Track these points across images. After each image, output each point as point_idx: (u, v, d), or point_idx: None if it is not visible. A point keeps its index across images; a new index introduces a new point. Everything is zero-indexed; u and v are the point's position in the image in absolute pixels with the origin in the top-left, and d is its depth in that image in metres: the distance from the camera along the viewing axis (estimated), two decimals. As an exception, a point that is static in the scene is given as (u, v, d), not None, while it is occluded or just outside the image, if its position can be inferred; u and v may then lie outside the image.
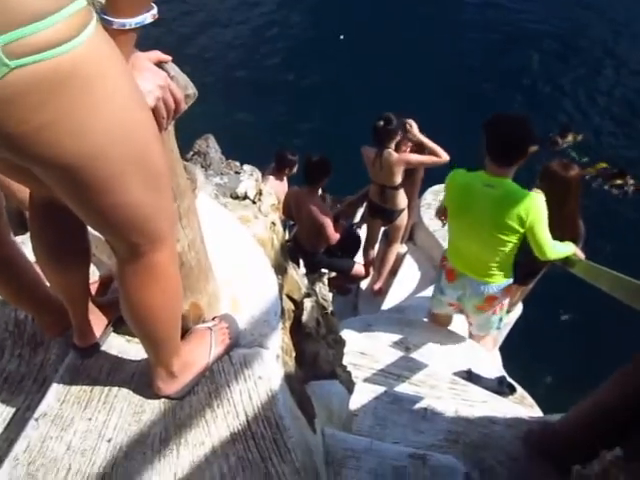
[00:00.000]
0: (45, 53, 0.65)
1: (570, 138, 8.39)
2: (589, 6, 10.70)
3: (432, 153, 3.91)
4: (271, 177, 4.69)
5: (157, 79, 0.92)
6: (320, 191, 4.23)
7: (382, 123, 3.78)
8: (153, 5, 0.86)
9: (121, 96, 0.78)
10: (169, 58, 0.98)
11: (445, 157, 3.92)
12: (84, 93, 0.72)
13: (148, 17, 0.85)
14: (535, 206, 2.51)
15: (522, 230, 2.54)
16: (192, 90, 1.01)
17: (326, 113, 8.26)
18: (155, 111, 0.93)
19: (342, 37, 9.77)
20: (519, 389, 3.31)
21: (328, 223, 4.05)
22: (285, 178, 4.89)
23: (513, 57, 9.63)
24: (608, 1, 10.82)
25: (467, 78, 8.91)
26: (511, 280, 2.89)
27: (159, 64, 0.97)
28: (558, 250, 2.65)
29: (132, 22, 0.83)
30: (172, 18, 10.10)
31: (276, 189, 4.49)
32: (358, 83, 8.68)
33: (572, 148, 8.26)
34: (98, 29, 0.74)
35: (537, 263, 2.91)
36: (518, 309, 4.06)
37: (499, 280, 2.85)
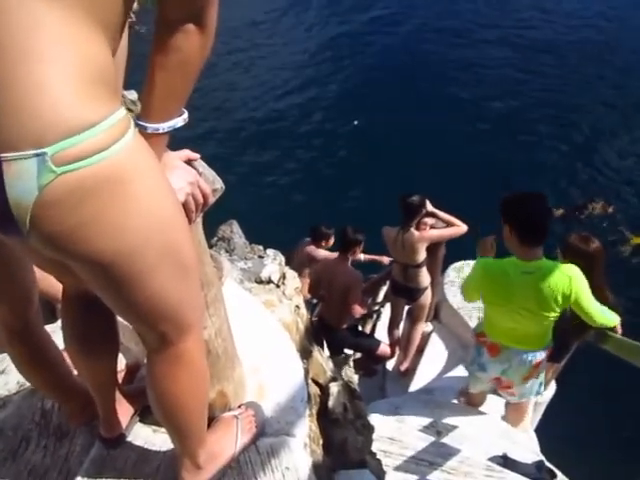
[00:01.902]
0: (89, 159, 0.71)
1: (600, 209, 8.35)
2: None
3: (450, 225, 3.98)
4: (311, 246, 4.79)
5: (187, 176, 0.98)
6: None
7: (413, 199, 3.87)
8: (184, 110, 0.93)
9: (155, 196, 0.83)
10: (197, 156, 1.05)
11: (463, 227, 4.01)
12: (121, 194, 0.76)
13: (179, 121, 0.93)
14: (575, 279, 2.47)
15: (567, 304, 2.50)
16: (219, 185, 1.07)
17: (343, 196, 8.47)
18: (185, 206, 0.98)
19: (356, 122, 10.22)
20: (560, 475, 3.13)
21: (359, 284, 4.15)
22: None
23: (528, 126, 9.83)
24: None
25: (479, 147, 9.12)
26: (551, 341, 2.82)
27: (188, 162, 1.03)
28: (606, 315, 2.59)
29: (165, 126, 0.90)
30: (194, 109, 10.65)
31: (318, 253, 4.66)
32: (372, 166, 8.98)
33: (602, 220, 8.21)
34: (135, 134, 0.80)
35: (568, 336, 2.84)
36: (552, 388, 3.91)
37: (543, 344, 2.77)
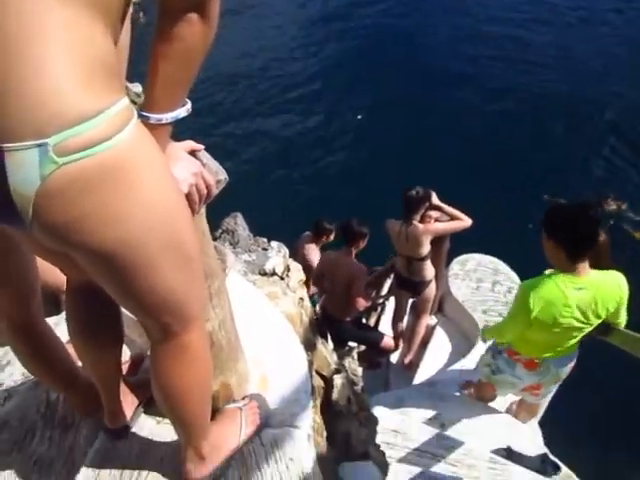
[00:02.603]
0: (91, 150, 0.70)
1: (614, 206, 8.32)
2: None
3: (454, 219, 3.96)
4: (311, 244, 4.80)
5: (191, 167, 0.98)
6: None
7: (414, 192, 3.86)
8: (187, 100, 0.93)
9: (158, 186, 0.83)
10: (201, 147, 1.05)
11: (468, 220, 3.99)
12: (124, 185, 0.76)
13: (182, 112, 0.92)
14: (625, 287, 2.44)
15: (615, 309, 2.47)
16: (223, 176, 1.06)
17: (347, 189, 8.45)
18: (188, 197, 0.97)
19: (360, 117, 10.21)
20: (564, 468, 3.12)
21: (363, 276, 4.14)
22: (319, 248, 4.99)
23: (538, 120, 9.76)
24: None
25: (488, 143, 9.08)
26: None
27: (192, 153, 1.03)
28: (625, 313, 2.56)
29: (168, 117, 0.90)
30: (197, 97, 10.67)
31: (312, 255, 4.60)
32: (376, 159, 8.96)
33: (614, 217, 8.18)
34: (138, 125, 0.80)
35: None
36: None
37: (577, 346, 2.71)
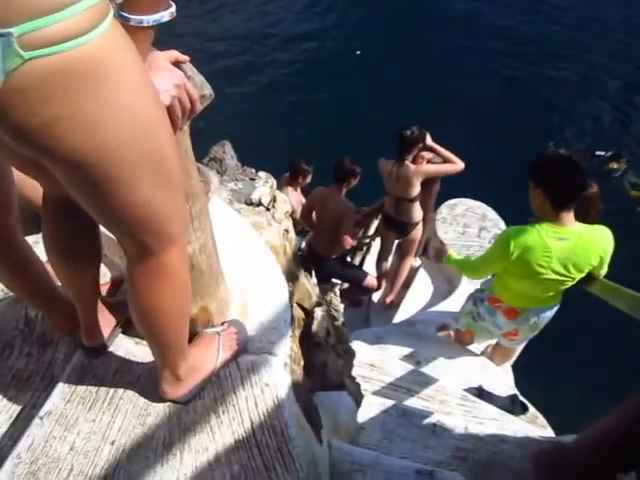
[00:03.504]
0: (60, 46, 0.65)
1: (614, 164, 8.32)
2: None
3: (447, 161, 3.92)
4: (287, 187, 4.72)
5: (173, 78, 0.92)
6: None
7: (409, 132, 3.78)
8: (172, 3, 0.86)
9: (135, 93, 0.78)
10: (187, 58, 0.98)
11: (460, 164, 3.95)
12: (97, 88, 0.71)
13: (166, 15, 0.85)
14: (610, 242, 2.45)
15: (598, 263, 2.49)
16: (208, 91, 1.01)
17: (341, 125, 8.31)
18: (170, 110, 0.92)
19: (359, 52, 9.92)
20: (531, 408, 3.25)
21: (351, 214, 4.14)
22: (299, 188, 4.91)
23: (540, 68, 9.54)
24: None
25: (483, 91, 8.89)
26: None
27: (176, 64, 0.96)
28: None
29: (150, 19, 0.83)
30: (190, 19, 10.30)
31: (290, 198, 4.53)
32: (373, 97, 8.77)
33: (614, 172, 8.20)
34: (114, 24, 0.74)
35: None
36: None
37: (559, 299, 2.75)
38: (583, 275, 2.51)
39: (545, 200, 2.38)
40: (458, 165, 3.94)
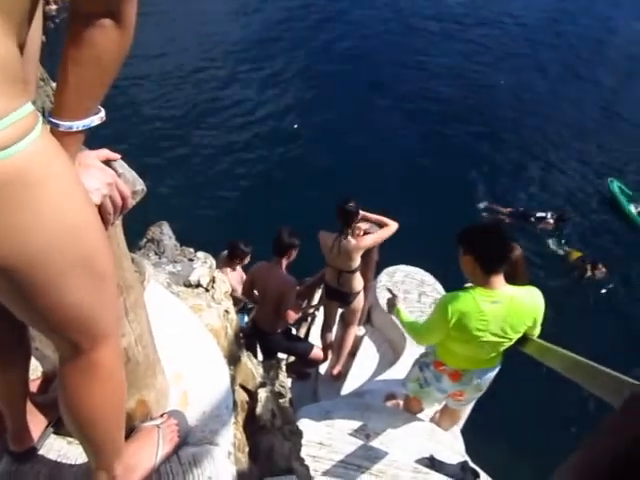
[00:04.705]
0: None
1: (550, 225, 8.79)
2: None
3: (382, 226, 4.04)
4: (226, 268, 4.70)
5: (103, 177, 0.93)
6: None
7: (352, 204, 3.89)
8: (100, 108, 0.88)
9: (64, 199, 0.78)
10: (117, 156, 1.00)
11: (394, 224, 4.09)
12: (26, 196, 0.71)
13: (95, 119, 0.87)
14: (540, 302, 2.56)
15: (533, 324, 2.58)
16: (140, 186, 1.02)
17: (277, 201, 8.47)
18: (101, 208, 0.93)
19: (296, 126, 10.32)
20: (483, 475, 3.23)
21: (293, 289, 4.12)
22: (238, 267, 4.91)
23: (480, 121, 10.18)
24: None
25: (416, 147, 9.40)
26: None
27: (107, 162, 0.98)
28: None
29: (79, 125, 0.85)
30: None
31: (230, 277, 4.52)
32: (309, 169, 9.06)
33: (549, 233, 8.67)
34: (43, 132, 0.75)
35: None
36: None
37: (500, 360, 2.81)
38: (520, 335, 2.60)
39: (475, 265, 2.49)
40: (392, 226, 4.08)
